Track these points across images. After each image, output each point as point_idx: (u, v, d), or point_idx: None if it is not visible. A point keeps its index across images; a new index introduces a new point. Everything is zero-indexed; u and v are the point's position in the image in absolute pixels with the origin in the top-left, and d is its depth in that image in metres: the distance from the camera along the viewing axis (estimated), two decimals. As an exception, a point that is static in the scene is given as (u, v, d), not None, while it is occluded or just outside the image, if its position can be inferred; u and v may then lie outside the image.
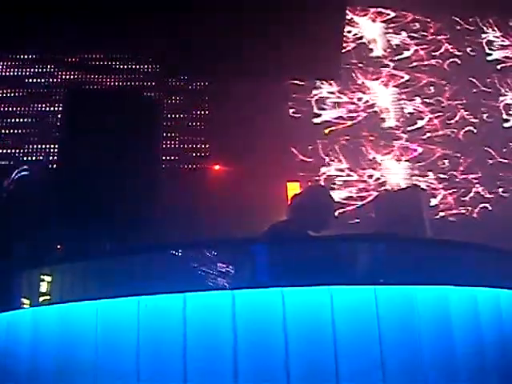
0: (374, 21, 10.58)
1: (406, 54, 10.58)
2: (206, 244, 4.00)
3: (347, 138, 9.91)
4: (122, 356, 3.57)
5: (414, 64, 10.50)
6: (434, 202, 9.57)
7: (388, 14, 10.68)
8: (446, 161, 10.06)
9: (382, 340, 3.43)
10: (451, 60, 10.58)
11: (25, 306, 4.39)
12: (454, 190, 9.92)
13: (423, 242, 4.36)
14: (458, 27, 10.82)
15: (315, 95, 9.90)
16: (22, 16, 8.79)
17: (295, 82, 9.73)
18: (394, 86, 10.26)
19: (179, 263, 3.92)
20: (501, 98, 10.50)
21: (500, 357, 3.72)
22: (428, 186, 9.80)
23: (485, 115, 10.35)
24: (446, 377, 3.55)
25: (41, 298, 4.36)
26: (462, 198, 9.90)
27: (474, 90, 10.49)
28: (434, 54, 10.65)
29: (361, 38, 10.45)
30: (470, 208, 9.82)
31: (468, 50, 10.69)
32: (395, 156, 9.95)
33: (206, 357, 3.43)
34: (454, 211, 9.79)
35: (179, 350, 3.45)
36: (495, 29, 10.92)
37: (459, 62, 10.58)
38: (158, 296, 3.59)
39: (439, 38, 10.73)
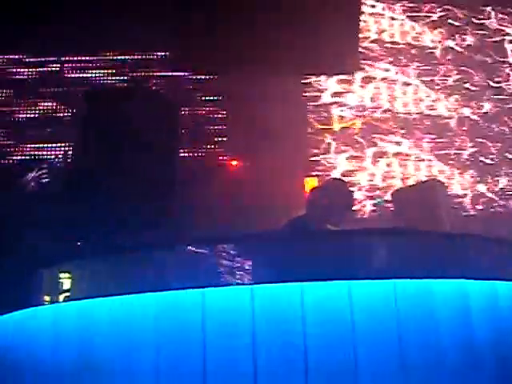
0: (391, 12, 10.52)
1: (425, 45, 10.51)
2: (224, 240, 4.01)
3: (365, 132, 9.87)
4: (141, 351, 3.60)
5: (433, 54, 10.43)
6: (452, 194, 9.51)
7: (407, 6, 10.62)
8: (465, 152, 9.98)
9: (400, 334, 3.42)
10: (472, 49, 10.50)
11: (45, 302, 4.43)
12: (476, 182, 9.85)
13: (442, 236, 4.34)
14: (476, 17, 10.74)
15: (332, 91, 9.87)
16: (36, 16, 8.88)
17: (312, 77, 9.71)
18: (415, 78, 10.21)
19: (198, 259, 3.93)
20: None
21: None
22: (448, 178, 9.74)
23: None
24: (467, 370, 3.53)
25: (61, 296, 4.39)
26: (484, 191, 9.83)
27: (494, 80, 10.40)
28: (453, 45, 10.57)
29: (378, 30, 10.40)
30: (490, 201, 9.75)
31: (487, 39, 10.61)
32: (414, 149, 9.89)
33: (225, 351, 3.44)
34: (475, 204, 9.72)
35: (198, 345, 3.47)
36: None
37: (479, 51, 10.50)
38: (177, 292, 3.61)
39: (459, 28, 10.65)
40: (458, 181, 9.79)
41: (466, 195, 9.73)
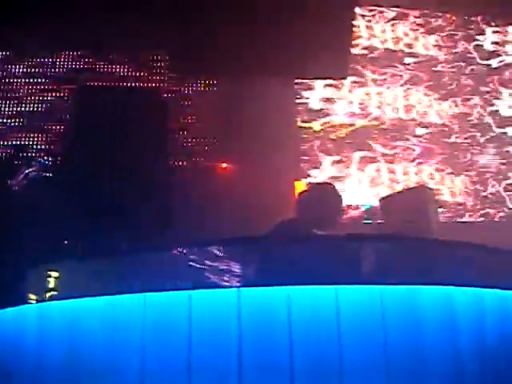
0: (382, 19, 10.56)
1: (418, 51, 10.55)
2: (212, 242, 4.01)
3: (355, 137, 9.90)
4: (127, 352, 3.59)
5: (426, 61, 10.47)
6: (442, 201, 9.54)
7: (397, 13, 10.66)
8: (455, 159, 10.03)
9: (386, 339, 3.43)
10: (464, 56, 10.55)
11: (31, 301, 4.42)
12: (466, 188, 9.88)
13: (429, 243, 4.36)
14: (466, 26, 10.79)
15: (322, 95, 9.90)
16: (26, 13, 8.86)
17: (303, 81, 9.73)
18: (405, 84, 10.24)
19: (186, 261, 3.93)
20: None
21: (505, 358, 3.71)
22: (437, 184, 9.78)
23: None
24: (450, 377, 3.55)
25: (47, 294, 4.38)
26: (474, 197, 9.86)
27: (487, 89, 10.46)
28: (445, 52, 10.61)
29: (369, 36, 10.43)
30: (480, 208, 9.78)
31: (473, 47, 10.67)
32: (404, 155, 9.93)
33: (210, 352, 3.44)
34: (465, 211, 9.76)
35: (184, 346, 3.47)
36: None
37: (471, 58, 10.55)
38: (164, 293, 3.61)
39: (452, 35, 10.70)
40: (448, 187, 9.82)
41: (455, 202, 9.77)
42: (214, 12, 7.43)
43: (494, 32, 10.89)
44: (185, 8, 7.75)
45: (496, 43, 10.83)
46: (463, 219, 9.67)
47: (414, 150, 9.97)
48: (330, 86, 9.85)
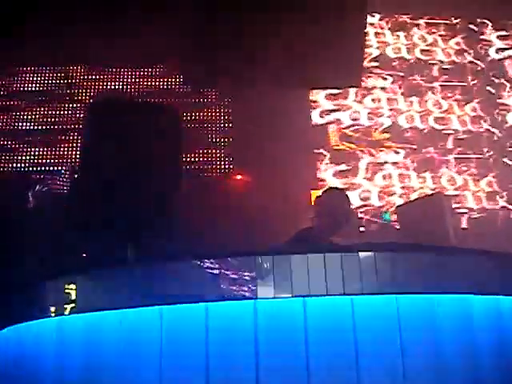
0: (393, 27, 10.58)
1: (431, 58, 10.55)
2: (229, 254, 4.02)
3: (368, 145, 9.89)
4: (145, 365, 3.61)
5: (435, 68, 10.45)
6: (458, 209, 9.50)
7: (411, 21, 10.66)
8: (470, 167, 9.98)
9: (403, 349, 3.42)
10: (472, 63, 10.53)
11: (51, 315, 4.45)
12: (487, 195, 9.84)
13: (446, 251, 4.34)
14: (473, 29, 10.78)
15: (337, 103, 9.91)
16: (38, 20, 8.94)
17: (316, 90, 9.75)
18: (415, 92, 10.23)
19: (202, 273, 3.95)
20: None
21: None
22: (454, 192, 9.74)
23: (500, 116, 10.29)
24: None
25: (66, 307, 4.41)
26: (488, 206, 9.81)
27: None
28: (454, 58, 10.60)
29: (380, 44, 10.45)
30: (494, 215, 9.72)
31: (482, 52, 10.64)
32: (419, 163, 9.91)
33: (227, 364, 3.45)
34: (480, 218, 9.71)
35: (201, 359, 3.48)
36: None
37: (480, 65, 10.52)
38: (181, 306, 3.62)
39: (460, 41, 10.69)
40: (472, 191, 9.76)
41: (473, 209, 9.73)
42: (230, 23, 7.46)
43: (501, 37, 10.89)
44: (199, 19, 7.80)
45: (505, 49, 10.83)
46: (483, 225, 9.62)
47: (432, 156, 9.95)
48: (342, 94, 9.86)
